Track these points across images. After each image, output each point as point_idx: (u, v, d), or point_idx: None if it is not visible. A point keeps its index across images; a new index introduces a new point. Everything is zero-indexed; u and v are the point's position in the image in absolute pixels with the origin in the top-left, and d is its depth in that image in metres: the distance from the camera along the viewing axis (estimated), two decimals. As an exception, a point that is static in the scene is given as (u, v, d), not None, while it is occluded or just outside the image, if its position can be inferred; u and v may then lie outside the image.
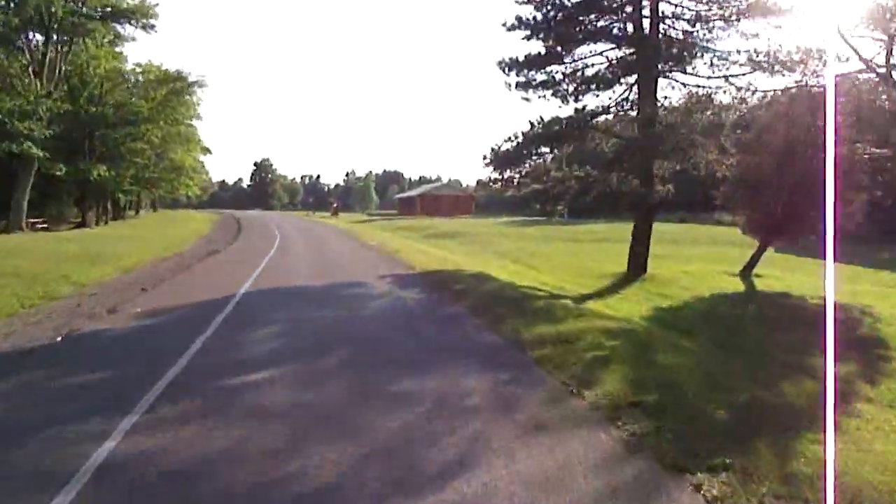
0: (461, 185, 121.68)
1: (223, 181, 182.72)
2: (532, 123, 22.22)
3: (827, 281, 11.57)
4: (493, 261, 28.39)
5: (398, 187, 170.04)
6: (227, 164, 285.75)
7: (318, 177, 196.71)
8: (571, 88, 23.19)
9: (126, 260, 23.58)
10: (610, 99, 23.35)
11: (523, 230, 51.37)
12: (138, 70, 53.18)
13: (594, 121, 23.39)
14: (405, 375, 7.92)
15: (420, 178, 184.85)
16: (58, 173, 43.09)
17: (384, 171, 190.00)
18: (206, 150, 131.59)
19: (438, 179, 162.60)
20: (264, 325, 10.90)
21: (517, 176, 24.16)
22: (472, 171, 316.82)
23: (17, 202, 39.14)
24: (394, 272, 19.61)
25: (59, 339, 9.70)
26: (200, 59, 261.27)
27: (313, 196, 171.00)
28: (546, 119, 22.20)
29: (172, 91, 51.03)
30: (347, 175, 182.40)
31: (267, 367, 8.22)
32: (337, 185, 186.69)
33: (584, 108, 22.57)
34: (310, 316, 12.00)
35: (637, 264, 23.79)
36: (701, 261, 30.97)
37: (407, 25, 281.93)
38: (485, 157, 23.86)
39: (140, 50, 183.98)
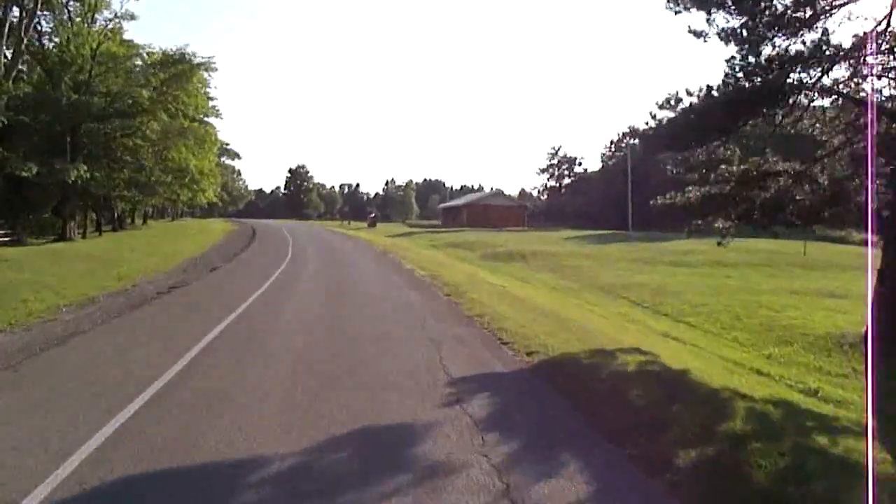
0: (503, 194, 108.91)
1: (260, 190, 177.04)
2: (732, 67, 11.70)
3: None
4: (618, 309, 18.05)
5: (439, 196, 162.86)
6: (266, 173, 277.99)
7: (357, 185, 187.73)
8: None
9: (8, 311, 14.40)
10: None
11: (603, 249, 40.36)
12: (135, 52, 43.57)
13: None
14: None
15: (462, 187, 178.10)
16: (24, 174, 34.07)
17: (424, 179, 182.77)
18: (234, 155, 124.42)
19: (481, 188, 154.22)
20: None
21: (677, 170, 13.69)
22: (516, 179, 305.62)
23: (-45, 210, 29.99)
24: (479, 367, 9.05)
25: None
26: (239, 64, 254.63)
27: (352, 205, 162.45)
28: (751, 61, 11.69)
29: (173, 76, 41.51)
30: (387, 184, 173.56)
31: None
32: (376, 195, 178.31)
33: (821, 41, 11.91)
34: None
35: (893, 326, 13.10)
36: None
37: (446, 30, 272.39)
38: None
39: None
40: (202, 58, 41.79)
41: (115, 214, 52.88)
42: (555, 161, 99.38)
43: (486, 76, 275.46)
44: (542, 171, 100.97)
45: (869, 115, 12.16)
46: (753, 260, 31.80)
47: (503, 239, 47.42)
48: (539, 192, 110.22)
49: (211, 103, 66.27)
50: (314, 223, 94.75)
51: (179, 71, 41.39)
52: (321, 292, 17.08)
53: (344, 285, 18.80)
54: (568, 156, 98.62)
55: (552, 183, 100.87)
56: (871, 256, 13.92)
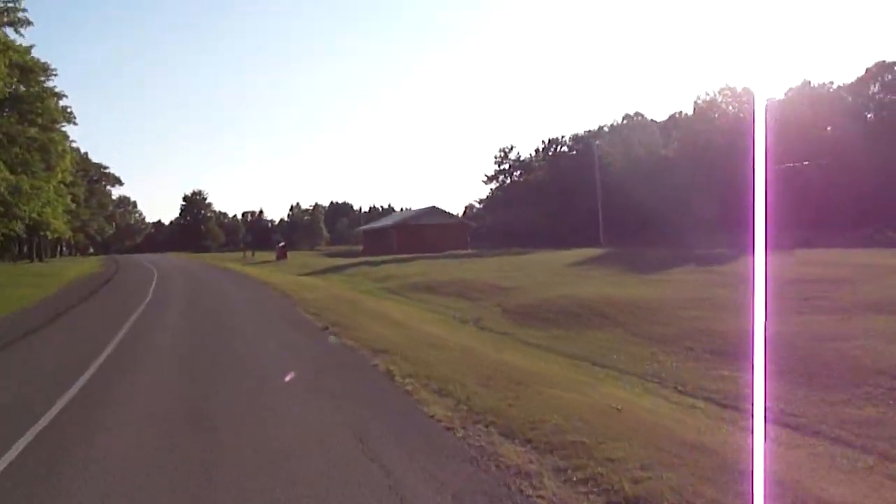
0: (441, 211, 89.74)
1: (159, 221, 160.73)
2: None
3: None
4: None
5: (347, 220, 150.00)
6: (166, 204, 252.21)
7: (261, 212, 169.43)
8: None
9: None
10: None
11: (678, 281, 25.12)
12: None
13: None
14: None
15: (371, 208, 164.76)
16: None
17: (331, 202, 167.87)
18: (116, 180, 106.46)
19: (390, 209, 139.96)
20: None
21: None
22: (430, 195, 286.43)
23: None
24: None
25: None
26: (127, 84, 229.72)
27: (255, 233, 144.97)
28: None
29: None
30: (292, 209, 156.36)
31: None
32: (281, 221, 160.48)
33: None
34: None
35: None
36: None
37: (342, 36, 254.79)
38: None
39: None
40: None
41: None
42: (506, 166, 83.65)
43: (383, 88, 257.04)
44: (490, 178, 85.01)
45: None
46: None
47: (488, 272, 32.05)
48: (480, 204, 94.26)
49: (61, 103, 49.33)
50: (206, 259, 76.29)
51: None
52: None
53: None
54: (521, 159, 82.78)
55: (500, 194, 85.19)
56: None
